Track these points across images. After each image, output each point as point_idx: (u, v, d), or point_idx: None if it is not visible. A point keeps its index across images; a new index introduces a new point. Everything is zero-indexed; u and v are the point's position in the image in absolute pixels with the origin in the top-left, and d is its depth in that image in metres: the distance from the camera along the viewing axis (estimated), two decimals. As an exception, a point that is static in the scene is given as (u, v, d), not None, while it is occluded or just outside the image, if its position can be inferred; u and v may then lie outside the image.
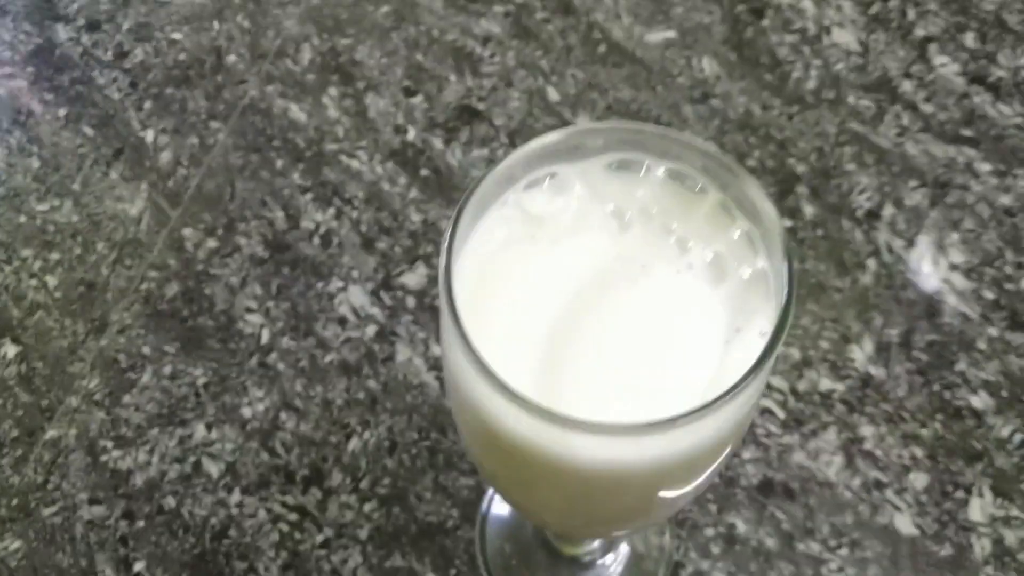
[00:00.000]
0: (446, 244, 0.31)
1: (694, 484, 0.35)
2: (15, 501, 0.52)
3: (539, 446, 0.29)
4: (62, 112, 0.61)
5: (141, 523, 0.51)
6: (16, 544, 0.51)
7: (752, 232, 0.32)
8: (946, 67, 0.60)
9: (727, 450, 0.34)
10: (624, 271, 0.33)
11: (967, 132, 0.58)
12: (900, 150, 0.58)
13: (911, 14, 0.62)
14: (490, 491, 0.51)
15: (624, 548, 0.50)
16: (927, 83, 0.60)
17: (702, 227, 0.34)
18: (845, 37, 0.62)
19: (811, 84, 0.60)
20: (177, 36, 0.63)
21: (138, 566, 0.50)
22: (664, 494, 0.34)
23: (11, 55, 0.63)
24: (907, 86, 0.60)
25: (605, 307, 0.32)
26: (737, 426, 0.32)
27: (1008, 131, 0.58)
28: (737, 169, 0.33)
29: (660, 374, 0.32)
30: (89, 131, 0.61)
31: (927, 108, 0.59)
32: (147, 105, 0.61)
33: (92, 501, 0.52)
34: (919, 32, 0.62)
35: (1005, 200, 0.57)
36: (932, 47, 0.61)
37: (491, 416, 0.30)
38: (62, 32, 0.64)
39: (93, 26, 0.64)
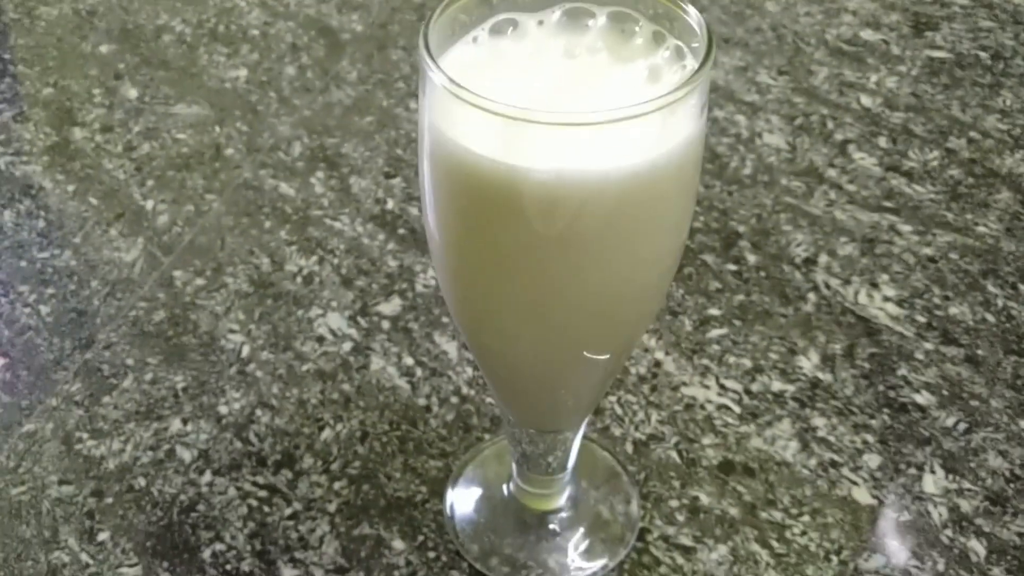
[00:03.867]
0: (423, 26, 0.36)
1: (656, 242, 0.37)
2: (-16, 483, 0.52)
3: (505, 167, 0.33)
4: (71, 188, 0.67)
5: (109, 500, 0.51)
6: (-20, 519, 0.50)
7: (681, 48, 0.38)
8: (864, 160, 0.69)
9: (684, 202, 0.37)
10: (578, 72, 0.38)
11: (888, 204, 0.66)
12: (830, 216, 0.65)
13: (830, 124, 0.71)
14: (456, 466, 0.52)
15: (591, 513, 0.50)
16: (849, 171, 0.68)
17: (639, 51, 0.39)
18: (775, 140, 0.70)
19: (747, 171, 0.68)
20: (181, 136, 0.71)
21: (102, 536, 0.50)
22: (633, 250, 0.36)
23: (29, 148, 0.70)
24: (832, 173, 0.68)
25: (565, 83, 0.37)
26: (691, 148, 0.35)
27: (924, 203, 0.66)
28: (671, 2, 0.38)
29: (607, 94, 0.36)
30: (94, 200, 0.66)
31: (851, 187, 0.67)
32: (149, 183, 0.67)
33: (62, 482, 0.52)
34: (839, 136, 0.70)
35: (927, 251, 0.63)
36: (851, 147, 0.70)
37: (462, 149, 0.34)
38: (78, 133, 0.71)
39: (106, 129, 0.72)
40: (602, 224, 0.35)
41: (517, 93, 0.37)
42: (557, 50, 0.39)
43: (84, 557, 0.49)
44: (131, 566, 0.49)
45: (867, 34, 0.79)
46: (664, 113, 0.33)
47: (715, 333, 0.58)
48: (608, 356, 0.41)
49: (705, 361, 0.57)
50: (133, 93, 0.75)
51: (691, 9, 0.37)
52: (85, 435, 0.54)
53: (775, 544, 0.49)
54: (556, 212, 0.34)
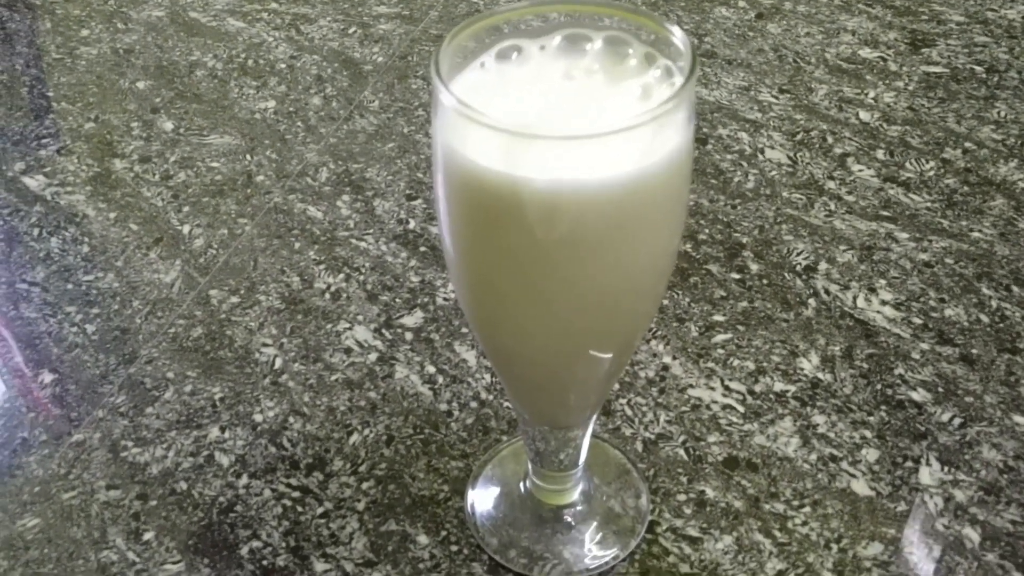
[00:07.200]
0: (435, 53, 0.40)
1: (651, 246, 0.40)
2: (37, 488, 0.56)
3: (510, 178, 0.37)
4: (112, 215, 0.72)
5: (153, 502, 0.55)
6: (34, 522, 0.54)
7: (670, 67, 0.41)
8: (863, 172, 0.72)
9: (675, 208, 0.40)
10: (577, 92, 0.41)
11: (885, 212, 0.69)
12: (830, 225, 0.68)
13: (830, 139, 0.74)
14: (476, 466, 0.55)
15: (603, 508, 0.54)
16: (848, 182, 0.71)
17: (632, 72, 0.42)
18: (776, 155, 0.73)
19: (750, 185, 0.71)
20: (215, 164, 0.75)
21: (147, 536, 0.53)
22: (629, 253, 0.39)
23: (73, 179, 0.75)
24: (831, 185, 0.71)
25: (565, 103, 0.41)
26: (679, 157, 0.38)
27: (921, 212, 0.69)
28: (660, 26, 0.42)
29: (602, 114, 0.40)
30: (134, 226, 0.71)
31: (850, 198, 0.70)
32: (185, 209, 0.72)
33: (109, 487, 0.56)
34: (838, 150, 0.74)
35: (924, 256, 0.66)
36: (850, 160, 0.73)
37: (470, 163, 0.37)
38: (118, 164, 0.76)
39: (145, 159, 0.76)
40: (599, 229, 0.38)
41: (521, 112, 0.40)
42: (557, 72, 0.42)
43: (131, 556, 0.53)
44: (175, 563, 0.52)
45: (865, 52, 0.83)
46: (653, 126, 0.36)
47: (720, 338, 0.62)
48: (611, 355, 0.44)
49: (711, 364, 0.60)
50: (169, 125, 0.80)
51: (677, 31, 0.40)
52: (130, 443, 0.58)
53: (778, 534, 0.52)
54: (556, 218, 0.38)
